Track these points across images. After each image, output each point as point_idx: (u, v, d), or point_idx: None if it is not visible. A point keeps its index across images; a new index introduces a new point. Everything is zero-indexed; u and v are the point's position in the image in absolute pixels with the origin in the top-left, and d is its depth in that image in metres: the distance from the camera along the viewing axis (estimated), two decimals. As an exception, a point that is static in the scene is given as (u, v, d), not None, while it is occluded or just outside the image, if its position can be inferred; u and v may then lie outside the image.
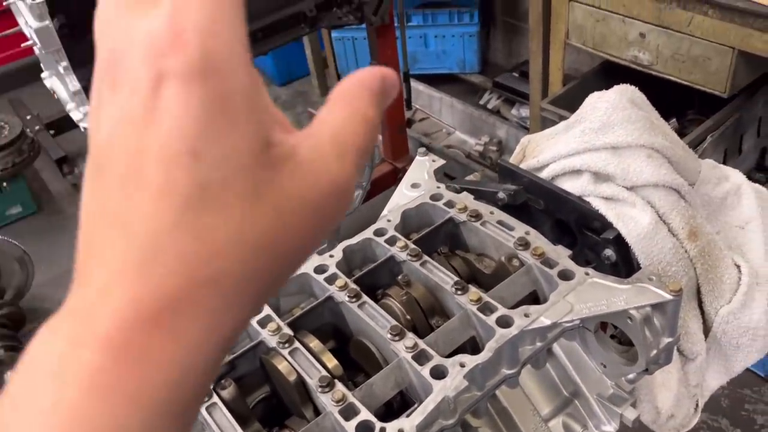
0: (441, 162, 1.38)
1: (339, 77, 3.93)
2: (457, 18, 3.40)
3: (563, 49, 2.44)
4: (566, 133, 1.35)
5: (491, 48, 3.93)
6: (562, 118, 2.33)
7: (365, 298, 1.10)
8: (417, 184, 1.34)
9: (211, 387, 1.01)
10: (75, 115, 2.00)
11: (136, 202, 0.31)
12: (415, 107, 3.52)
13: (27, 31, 1.89)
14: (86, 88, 1.90)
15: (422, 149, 1.42)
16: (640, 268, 1.18)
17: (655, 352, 1.04)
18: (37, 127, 3.62)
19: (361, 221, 2.47)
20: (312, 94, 4.06)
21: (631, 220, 1.20)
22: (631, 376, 1.10)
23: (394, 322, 1.04)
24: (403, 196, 1.33)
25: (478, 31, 3.43)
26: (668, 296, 1.00)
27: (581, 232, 1.27)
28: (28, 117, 3.73)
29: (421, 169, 1.38)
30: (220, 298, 0.31)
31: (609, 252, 1.19)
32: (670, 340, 1.04)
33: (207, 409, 0.98)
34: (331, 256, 1.20)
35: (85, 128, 2.00)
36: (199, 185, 0.30)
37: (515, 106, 3.44)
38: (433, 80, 3.55)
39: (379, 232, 1.23)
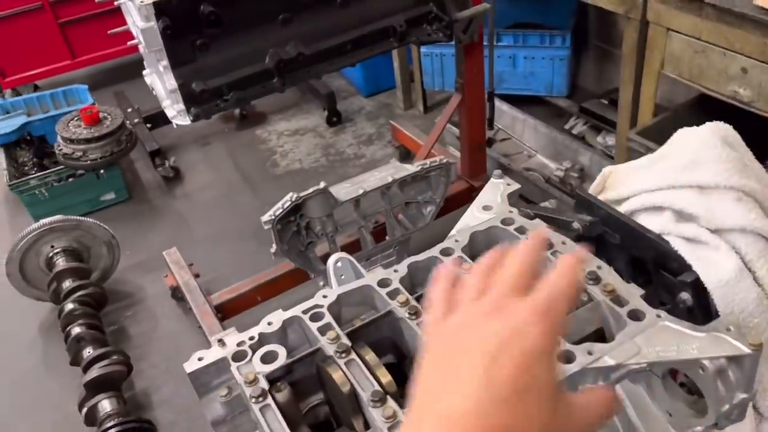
0: (516, 186, 1.36)
1: (424, 92, 3.95)
2: (548, 41, 3.34)
3: (657, 80, 2.35)
4: (651, 168, 1.30)
5: (581, 72, 3.84)
6: (650, 150, 2.25)
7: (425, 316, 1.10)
8: (489, 206, 1.33)
9: (267, 389, 1.03)
10: (169, 112, 2.09)
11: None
12: (498, 127, 3.48)
13: (134, 30, 2.01)
14: (182, 86, 2.00)
15: (498, 171, 1.40)
16: (719, 316, 1.12)
17: (727, 407, 0.98)
18: (136, 120, 3.83)
19: (432, 237, 2.45)
20: (395, 107, 4.10)
21: (713, 265, 1.14)
22: (698, 429, 1.04)
23: (452, 345, 1.03)
24: (474, 218, 1.32)
25: (568, 54, 3.36)
26: (747, 350, 0.94)
27: (658, 271, 1.21)
28: (129, 110, 3.95)
29: (495, 192, 1.36)
30: None
31: (685, 296, 1.14)
32: (745, 396, 0.98)
33: (261, 409, 1.00)
34: (396, 270, 1.20)
35: (177, 125, 2.10)
36: (533, 382, 0.53)
37: (601, 133, 3.34)
38: (519, 101, 3.50)
39: (445, 252, 1.23)
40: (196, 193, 3.67)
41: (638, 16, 2.30)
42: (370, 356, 1.05)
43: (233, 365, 1.07)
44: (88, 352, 2.45)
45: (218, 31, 1.99)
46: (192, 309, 2.57)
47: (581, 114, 3.36)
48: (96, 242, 2.94)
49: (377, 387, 0.99)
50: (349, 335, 1.10)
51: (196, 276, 2.74)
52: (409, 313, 1.11)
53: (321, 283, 2.31)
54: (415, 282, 1.23)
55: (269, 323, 1.14)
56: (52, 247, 2.82)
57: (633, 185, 1.26)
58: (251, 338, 1.12)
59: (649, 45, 2.30)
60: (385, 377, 1.03)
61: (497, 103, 3.36)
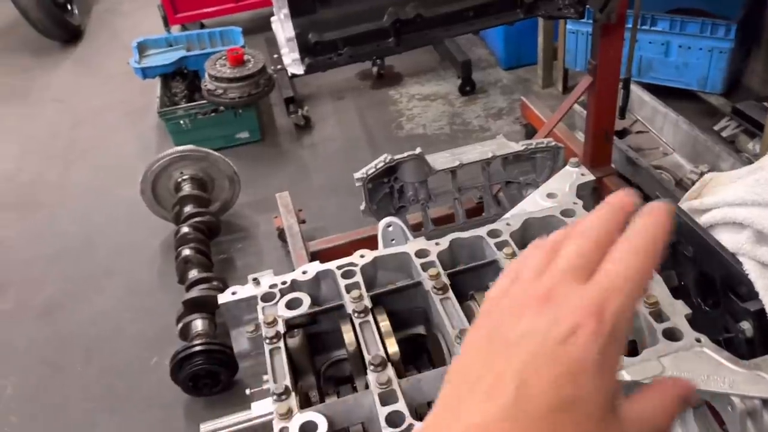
0: (590, 178, 1.27)
1: (566, 71, 3.76)
2: (710, 29, 3.02)
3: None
4: (745, 179, 1.15)
5: (748, 69, 3.44)
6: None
7: (450, 293, 1.08)
8: (553, 194, 1.25)
9: (282, 332, 1.07)
10: (285, 60, 2.17)
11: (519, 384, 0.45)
12: (636, 118, 3.23)
13: (263, -22, 2.10)
14: (299, 35, 2.06)
15: (575, 159, 1.32)
16: (779, 355, 0.98)
17: (755, 453, 0.87)
18: (278, 66, 4.01)
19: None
20: (534, 83, 3.93)
21: (787, 298, 1.00)
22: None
23: (466, 326, 1.00)
24: (534, 204, 1.25)
25: (731, 47, 3.02)
26: (785, 397, 0.83)
27: (726, 294, 1.09)
28: (275, 56, 4.14)
29: (565, 180, 1.28)
30: None
31: (746, 325, 1.01)
32: (778, 447, 0.86)
33: (271, 351, 1.04)
34: (437, 243, 1.18)
35: (292, 73, 2.17)
36: (576, 397, 0.44)
37: (756, 139, 2.99)
38: (667, 93, 3.22)
39: (493, 233, 1.18)
40: (322, 144, 3.80)
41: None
42: (384, 323, 1.06)
43: (260, 305, 1.12)
44: (193, 273, 2.66)
45: (341, -16, 2.02)
46: (290, 252, 2.69)
47: (734, 115, 3.03)
48: (220, 175, 3.15)
49: (381, 352, 0.99)
50: (374, 298, 1.11)
51: (302, 222, 2.86)
52: (435, 288, 1.09)
53: (409, 248, 2.33)
54: (457, 258, 1.21)
55: (304, 272, 1.17)
56: (182, 173, 3.06)
57: (717, 196, 1.13)
58: (284, 283, 1.16)
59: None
60: (392, 346, 1.02)
61: (639, 92, 3.12)
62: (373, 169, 2.06)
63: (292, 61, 2.14)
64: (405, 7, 2.09)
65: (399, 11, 2.09)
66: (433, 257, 1.15)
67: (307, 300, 1.11)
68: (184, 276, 2.70)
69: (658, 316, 0.97)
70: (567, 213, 1.19)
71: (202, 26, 4.97)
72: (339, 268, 1.16)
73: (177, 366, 2.35)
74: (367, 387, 1.03)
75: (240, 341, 1.17)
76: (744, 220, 1.06)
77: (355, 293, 1.10)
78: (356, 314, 1.06)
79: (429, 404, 0.99)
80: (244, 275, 2.93)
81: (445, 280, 1.09)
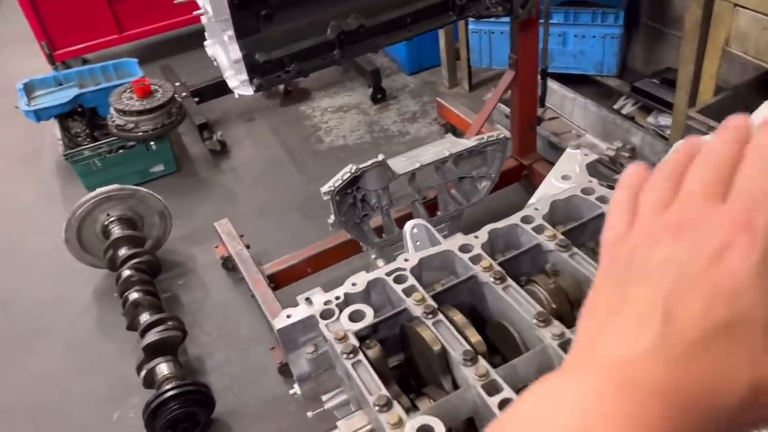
0: (593, 156, 1.36)
1: (470, 70, 3.93)
2: (600, 18, 3.30)
3: (720, 57, 2.31)
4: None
5: (630, 52, 3.78)
6: (711, 128, 2.22)
7: (510, 281, 1.11)
8: (568, 176, 1.33)
9: (358, 345, 1.06)
10: (232, 82, 2.12)
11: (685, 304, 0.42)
12: (547, 106, 3.45)
13: (200, 0, 2.03)
14: (246, 56, 2.02)
15: (574, 142, 1.40)
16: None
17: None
18: (183, 94, 3.87)
19: (485, 213, 2.46)
20: (440, 84, 4.08)
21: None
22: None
23: (540, 309, 1.05)
24: (552, 187, 1.32)
25: (621, 33, 3.31)
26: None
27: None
28: (177, 83, 4.00)
29: (572, 162, 1.36)
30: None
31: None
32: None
33: (353, 365, 1.03)
34: (476, 237, 1.22)
35: (240, 95, 2.13)
36: (734, 317, 0.40)
37: (653, 113, 3.29)
38: (568, 80, 3.47)
39: (526, 220, 1.23)
40: (242, 167, 3.72)
41: (704, -9, 2.26)
42: (459, 317, 1.07)
43: (322, 323, 1.10)
44: (145, 317, 2.51)
45: (282, 2, 2.01)
46: (244, 278, 2.62)
47: (632, 94, 3.32)
48: (149, 212, 3.00)
49: (468, 347, 1.01)
50: (434, 298, 1.12)
51: (247, 247, 2.79)
52: (493, 278, 1.12)
53: (373, 256, 2.34)
54: (495, 249, 1.25)
55: (353, 284, 1.17)
56: (108, 215, 2.88)
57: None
58: (337, 298, 1.14)
59: (714, 21, 2.26)
60: (474, 337, 1.05)
61: (547, 81, 3.33)
62: (340, 181, 2.06)
63: (239, 83, 2.09)
64: (347, 19, 2.12)
65: (342, 23, 2.11)
66: (478, 250, 1.18)
67: (369, 311, 1.10)
68: (135, 321, 2.54)
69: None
70: (587, 191, 1.27)
71: (85, 62, 4.69)
72: (388, 274, 1.16)
73: (151, 416, 2.21)
74: (453, 385, 1.04)
75: (299, 364, 1.14)
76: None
77: (416, 296, 1.10)
78: (426, 315, 1.07)
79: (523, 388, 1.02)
80: (193, 311, 2.85)
81: (500, 269, 1.13)
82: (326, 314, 1.12)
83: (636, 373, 0.40)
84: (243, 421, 2.40)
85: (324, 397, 1.18)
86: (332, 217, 2.12)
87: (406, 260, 1.19)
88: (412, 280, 1.14)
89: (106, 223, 2.88)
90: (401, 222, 2.43)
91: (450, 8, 2.28)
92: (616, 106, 3.49)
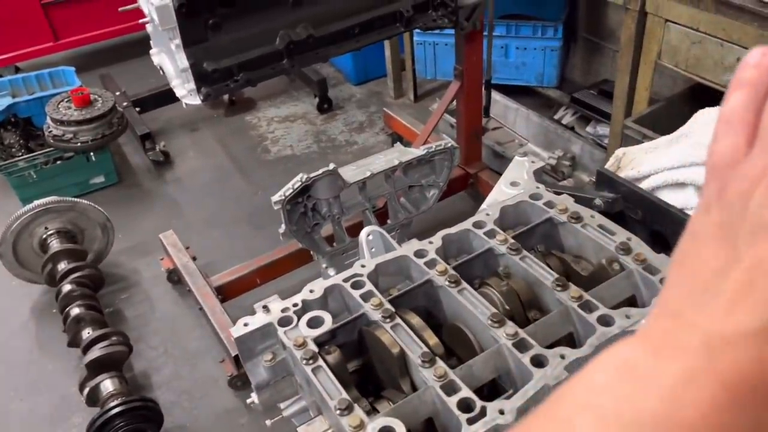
0: (540, 163, 1.41)
1: (415, 81, 3.99)
2: (540, 31, 3.41)
3: (653, 70, 2.43)
4: (669, 147, 1.36)
5: (569, 64, 3.92)
6: (647, 137, 2.32)
7: (465, 284, 1.14)
8: (516, 182, 1.38)
9: (317, 351, 1.06)
10: (179, 91, 2.09)
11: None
12: (490, 116, 3.54)
13: (145, 8, 2.00)
14: (193, 65, 2.00)
15: (522, 150, 1.45)
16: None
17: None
18: (124, 104, 3.79)
19: (434, 220, 2.50)
20: (386, 95, 4.12)
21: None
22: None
23: (495, 310, 1.08)
24: (502, 193, 1.36)
25: (560, 45, 3.44)
26: None
27: (678, 245, 1.28)
28: (117, 93, 3.90)
29: (520, 169, 1.41)
30: None
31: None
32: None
33: (313, 370, 1.03)
34: (431, 242, 1.24)
35: (187, 104, 2.10)
36: None
37: (591, 123, 3.42)
38: (509, 91, 3.57)
39: (478, 225, 1.27)
40: (187, 177, 3.66)
41: (637, 7, 2.37)
42: (416, 320, 1.09)
43: (280, 330, 1.10)
44: (88, 332, 2.43)
45: (231, 11, 2.00)
46: (191, 291, 2.57)
47: (572, 104, 3.44)
48: (90, 224, 2.91)
49: (426, 348, 1.03)
50: (391, 302, 1.14)
51: (194, 259, 2.74)
52: (449, 282, 1.15)
53: (324, 265, 2.34)
54: (448, 254, 1.28)
55: (311, 291, 1.17)
56: (46, 228, 2.79)
57: (652, 164, 1.32)
58: (295, 305, 1.14)
59: (647, 35, 2.37)
60: (432, 339, 1.07)
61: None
62: (291, 190, 2.05)
63: (187, 92, 2.07)
64: (296, 29, 2.12)
65: (291, 33, 2.11)
66: (433, 255, 1.21)
67: (328, 317, 1.11)
68: (77, 337, 2.46)
69: (650, 270, 1.12)
70: (535, 197, 1.31)
71: (17, 70, 4.53)
72: (345, 280, 1.17)
73: (96, 434, 2.14)
74: (412, 387, 1.06)
75: (257, 373, 1.14)
76: (686, 180, 1.25)
77: (374, 301, 1.12)
78: (383, 319, 1.09)
79: (481, 388, 1.04)
80: (138, 326, 2.78)
81: (455, 273, 1.16)
82: (284, 321, 1.12)
83: (739, 359, 0.32)
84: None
85: (282, 405, 1.18)
86: (283, 226, 2.12)
87: (363, 266, 1.21)
88: (369, 286, 1.16)
89: (44, 236, 2.78)
90: (352, 231, 2.46)
91: (398, 20, 2.32)
92: (556, 116, 3.61)
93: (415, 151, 2.28)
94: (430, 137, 3.19)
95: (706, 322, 0.34)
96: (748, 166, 0.36)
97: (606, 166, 1.55)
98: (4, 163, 3.28)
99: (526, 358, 0.99)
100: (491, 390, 1.10)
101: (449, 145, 2.29)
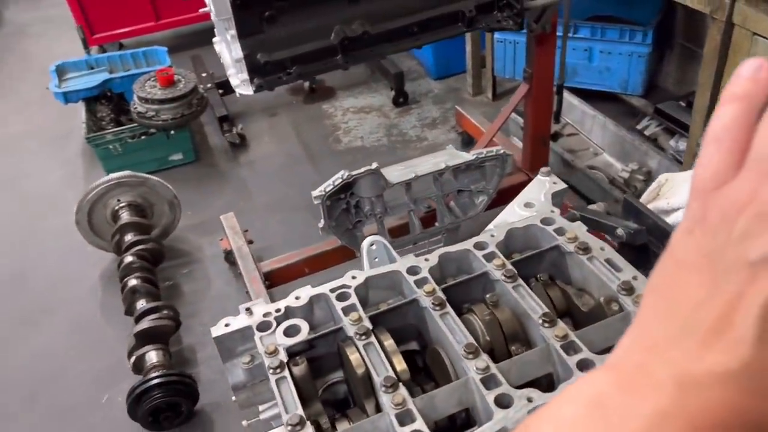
0: (561, 186, 1.33)
1: (494, 79, 3.88)
2: (628, 35, 3.21)
3: (737, 85, 2.22)
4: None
5: (662, 72, 3.68)
6: (720, 159, 2.14)
7: (449, 308, 1.10)
8: (531, 203, 1.30)
9: (285, 361, 1.06)
10: (233, 81, 2.14)
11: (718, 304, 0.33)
12: (566, 121, 3.39)
13: (206, -1, 2.06)
14: (247, 56, 2.04)
15: (545, 168, 1.37)
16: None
17: None
18: (209, 85, 3.94)
19: (482, 227, 2.43)
20: (464, 91, 4.04)
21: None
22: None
23: (471, 340, 1.03)
24: (514, 214, 1.30)
25: (648, 52, 3.22)
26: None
27: (699, 288, 1.16)
28: (204, 74, 4.06)
29: (539, 190, 1.33)
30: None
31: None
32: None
33: (277, 381, 1.03)
34: (427, 259, 1.20)
35: (240, 94, 2.14)
36: None
37: (675, 137, 3.20)
38: (591, 97, 3.39)
39: (479, 246, 1.21)
40: (259, 161, 3.76)
41: (723, 17, 2.17)
42: (389, 342, 1.06)
43: (257, 335, 1.10)
44: (141, 304, 2.56)
45: (286, 4, 2.01)
46: (242, 274, 2.64)
47: (655, 115, 3.23)
48: (159, 200, 3.05)
49: (391, 373, 1.00)
50: (372, 318, 1.11)
51: (250, 242, 2.81)
52: (433, 303, 1.11)
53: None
54: (446, 273, 1.23)
55: (297, 297, 1.16)
56: (119, 200, 2.95)
57: (684, 196, 1.20)
58: (278, 310, 1.14)
59: (732, 48, 2.17)
60: (400, 365, 1.03)
61: (567, 96, 3.27)
62: (331, 186, 2.06)
63: (240, 82, 2.11)
64: (351, 25, 2.11)
65: (346, 29, 2.10)
66: (425, 273, 1.17)
67: (305, 326, 1.10)
68: (132, 307, 2.60)
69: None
70: (547, 221, 1.24)
71: (121, 47, 4.81)
72: (332, 291, 1.16)
73: (134, 401, 2.26)
74: (377, 409, 1.03)
75: (235, 373, 1.15)
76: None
77: (354, 315, 1.10)
78: (358, 336, 1.07)
79: (450, 418, 1.00)
80: (193, 301, 2.89)
81: (441, 295, 1.11)
82: (263, 326, 1.12)
83: (711, 402, 0.31)
84: (226, 415, 2.43)
85: (261, 407, 1.19)
86: (322, 221, 2.13)
87: (353, 277, 1.19)
88: (353, 299, 1.14)
89: (116, 208, 2.95)
90: (396, 231, 2.44)
91: (459, 20, 2.25)
92: (639, 127, 3.40)
93: (465, 155, 2.22)
94: (498, 140, 3.10)
95: (680, 358, 0.32)
96: (735, 189, 0.34)
97: (647, 192, 1.43)
98: (93, 135, 3.50)
99: (491, 396, 0.94)
100: (466, 422, 1.06)
101: (501, 151, 2.21)
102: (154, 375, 2.30)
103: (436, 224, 2.41)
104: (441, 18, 2.21)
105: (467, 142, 3.49)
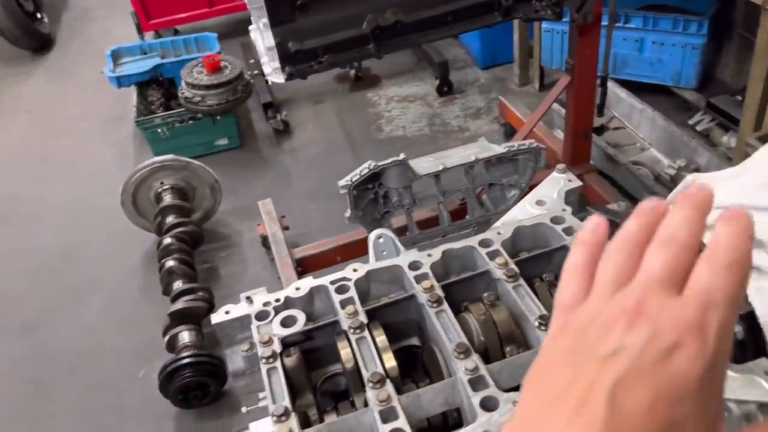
0: (577, 184, 1.29)
1: (542, 69, 3.79)
2: (682, 26, 3.06)
3: (791, 80, 2.10)
4: (731, 181, 1.18)
5: (720, 63, 3.50)
6: (768, 158, 2.02)
7: (445, 306, 1.08)
8: (542, 201, 1.27)
9: (278, 351, 1.06)
10: (266, 69, 2.16)
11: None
12: (613, 114, 3.27)
13: (240, -13, 2.08)
14: (279, 44, 2.05)
15: (562, 166, 1.33)
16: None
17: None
18: (255, 72, 3.99)
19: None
20: (510, 82, 3.96)
21: (775, 299, 1.02)
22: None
23: (464, 339, 1.01)
24: (524, 211, 1.26)
25: (703, 43, 3.07)
26: (779, 400, 0.84)
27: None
28: (251, 61, 4.12)
29: (553, 187, 1.29)
30: None
31: (737, 328, 1.03)
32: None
33: (268, 371, 1.04)
34: (429, 255, 1.18)
35: (272, 82, 2.16)
36: (674, 422, 0.40)
37: (728, 133, 3.05)
38: (641, 89, 3.27)
39: (484, 243, 1.19)
40: (302, 148, 3.79)
41: (778, 7, 2.05)
42: (381, 338, 1.06)
43: (254, 323, 1.12)
44: (177, 284, 2.63)
45: (319, -8, 2.01)
46: (275, 259, 2.68)
47: (708, 110, 3.08)
48: (201, 183, 3.13)
49: (379, 369, 0.99)
50: (369, 312, 1.11)
51: (286, 228, 2.85)
52: (430, 300, 1.09)
53: (395, 253, 2.33)
54: (450, 269, 1.21)
55: (297, 288, 1.17)
56: (162, 183, 3.03)
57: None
58: (277, 300, 1.15)
59: (786, 41, 2.05)
60: (390, 361, 1.02)
61: (615, 88, 3.16)
62: (358, 176, 2.06)
63: (272, 69, 2.13)
64: (384, 14, 2.09)
65: (378, 18, 2.08)
66: (426, 269, 1.15)
67: (301, 317, 1.11)
68: (169, 287, 2.67)
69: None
70: (556, 220, 1.20)
71: (176, 32, 4.93)
72: (332, 283, 1.16)
73: (166, 379, 2.33)
74: (365, 404, 1.03)
75: (235, 360, 1.17)
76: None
77: (350, 309, 1.09)
78: (352, 330, 1.06)
79: (428, 420, 0.99)
80: (229, 284, 2.95)
81: (440, 292, 1.10)
82: (261, 315, 1.13)
83: None
84: (252, 398, 2.47)
85: (260, 395, 1.20)
86: (348, 210, 2.13)
87: (354, 270, 1.18)
88: (351, 292, 1.13)
89: (159, 190, 3.03)
90: (425, 224, 2.42)
91: (495, 9, 2.20)
92: (691, 122, 3.25)
93: (496, 148, 2.17)
94: (539, 131, 3.03)
95: (551, 428, 0.42)
96: (585, 309, 0.46)
97: (673, 193, 1.37)
98: (142, 118, 3.60)
99: (476, 398, 0.92)
100: (457, 421, 1.04)
101: (534, 145, 2.15)
102: (185, 354, 2.36)
103: (467, 217, 2.38)
104: (476, 6, 2.17)
105: (510, 133, 3.42)
